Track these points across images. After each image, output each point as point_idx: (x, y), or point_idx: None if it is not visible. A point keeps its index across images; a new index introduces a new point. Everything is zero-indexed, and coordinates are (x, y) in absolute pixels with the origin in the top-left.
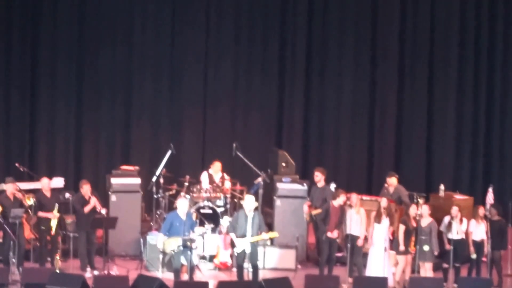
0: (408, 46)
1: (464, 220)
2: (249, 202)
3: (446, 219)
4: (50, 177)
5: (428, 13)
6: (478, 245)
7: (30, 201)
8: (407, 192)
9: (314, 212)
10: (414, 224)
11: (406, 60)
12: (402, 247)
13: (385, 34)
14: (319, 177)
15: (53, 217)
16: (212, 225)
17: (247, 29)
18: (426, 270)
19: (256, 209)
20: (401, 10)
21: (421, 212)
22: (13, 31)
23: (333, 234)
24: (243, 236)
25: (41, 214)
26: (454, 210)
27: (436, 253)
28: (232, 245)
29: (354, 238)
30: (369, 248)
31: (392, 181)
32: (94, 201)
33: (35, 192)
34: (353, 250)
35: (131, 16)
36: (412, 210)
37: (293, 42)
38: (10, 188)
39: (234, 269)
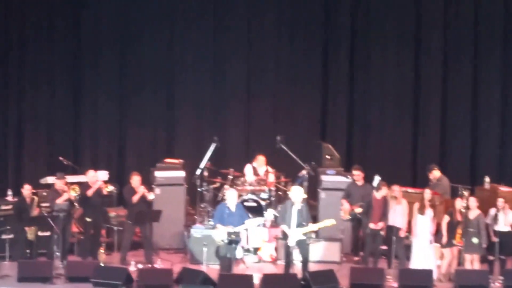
0: (452, 37)
1: (510, 211)
2: (298, 194)
3: (492, 211)
4: (94, 171)
5: (471, 3)
6: None
7: (74, 192)
8: (448, 188)
9: (357, 210)
10: (459, 218)
11: (450, 51)
12: (444, 239)
13: (429, 24)
14: (361, 176)
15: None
16: (263, 218)
17: (289, 22)
18: (474, 261)
19: (303, 201)
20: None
21: (468, 205)
22: (56, 27)
23: (377, 226)
24: (291, 227)
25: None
26: (500, 201)
27: (484, 245)
28: (284, 237)
29: (396, 230)
30: (413, 240)
31: (434, 175)
32: (142, 190)
33: (80, 185)
34: (396, 241)
35: (173, 6)
36: (458, 203)
37: (337, 36)
38: (59, 183)
39: (279, 262)
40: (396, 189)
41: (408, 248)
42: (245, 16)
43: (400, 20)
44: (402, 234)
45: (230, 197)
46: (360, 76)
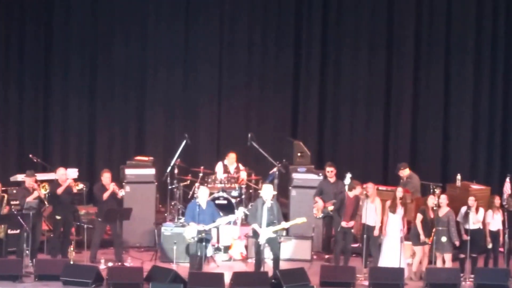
0: (424, 36)
1: (481, 209)
2: (268, 191)
3: (463, 209)
4: (64, 168)
5: (444, 3)
6: (495, 235)
7: (44, 190)
8: (419, 186)
9: (331, 207)
10: (432, 215)
11: (422, 49)
12: (422, 237)
13: (401, 24)
14: (334, 172)
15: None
16: (234, 216)
17: (261, 19)
18: (446, 261)
19: (273, 198)
20: None
21: (439, 202)
22: (27, 24)
23: (349, 224)
24: (262, 226)
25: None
26: (471, 200)
27: (457, 243)
28: (255, 235)
29: (369, 228)
30: (383, 238)
31: (404, 173)
32: (112, 187)
33: (49, 182)
34: (369, 240)
35: (145, 6)
36: (430, 200)
37: (308, 34)
38: (29, 181)
39: (250, 260)
40: (370, 186)
41: (380, 246)
42: (217, 15)
43: (372, 19)
44: (376, 232)
45: (202, 194)
46: (331, 74)
